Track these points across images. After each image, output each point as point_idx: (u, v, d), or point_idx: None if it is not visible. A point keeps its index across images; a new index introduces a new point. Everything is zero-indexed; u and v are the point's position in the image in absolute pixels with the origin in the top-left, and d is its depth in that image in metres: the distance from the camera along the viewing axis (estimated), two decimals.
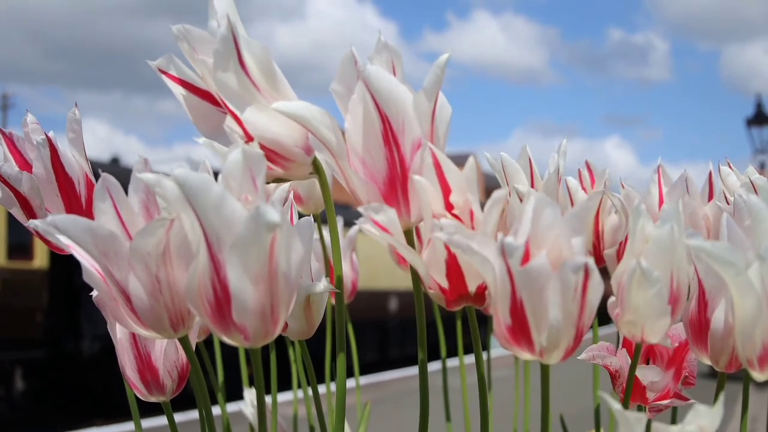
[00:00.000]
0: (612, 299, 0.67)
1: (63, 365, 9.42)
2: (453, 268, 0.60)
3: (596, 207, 1.00)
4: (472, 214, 0.60)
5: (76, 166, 0.80)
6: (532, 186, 0.89)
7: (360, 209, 0.58)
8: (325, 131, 0.60)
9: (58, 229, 0.55)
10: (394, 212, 0.59)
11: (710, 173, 0.90)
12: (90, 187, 0.81)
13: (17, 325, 8.93)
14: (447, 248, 0.59)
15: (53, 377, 9.44)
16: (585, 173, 1.04)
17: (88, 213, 0.79)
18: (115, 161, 13.07)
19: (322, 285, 0.76)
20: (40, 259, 9.00)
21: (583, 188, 1.03)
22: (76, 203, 0.80)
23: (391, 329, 14.23)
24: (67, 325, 9.32)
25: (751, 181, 0.83)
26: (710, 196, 0.89)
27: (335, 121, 0.61)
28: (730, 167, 0.90)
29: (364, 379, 8.00)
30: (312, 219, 0.70)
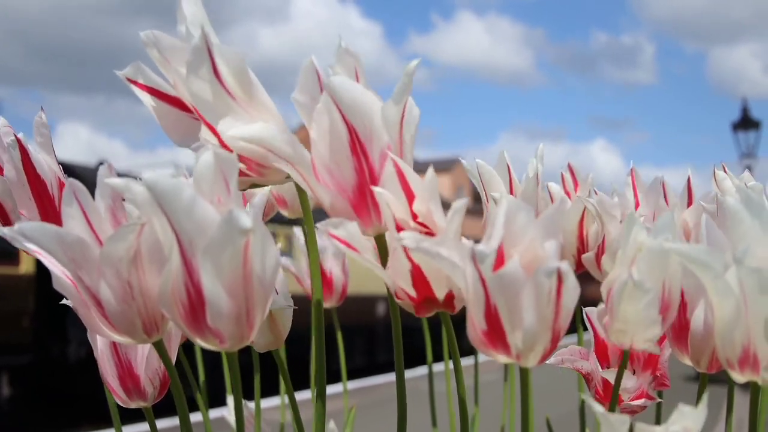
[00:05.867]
0: (601, 306, 0.67)
1: (49, 370, 9.36)
2: (418, 276, 0.60)
3: (579, 214, 1.00)
4: (435, 223, 0.59)
5: (47, 168, 0.79)
6: (511, 192, 0.88)
7: (318, 225, 0.57)
8: (285, 147, 0.59)
9: (26, 237, 0.54)
10: (354, 225, 0.58)
11: (689, 178, 0.90)
12: (63, 190, 0.80)
13: (3, 331, 8.88)
14: (409, 258, 0.58)
15: (40, 382, 9.38)
16: (568, 177, 1.04)
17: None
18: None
19: (278, 302, 0.75)
20: (26, 264, 8.96)
21: (566, 192, 1.03)
22: (50, 205, 0.79)
23: (379, 334, 14.21)
24: (54, 331, 9.27)
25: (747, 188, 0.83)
26: (689, 201, 0.89)
27: (293, 135, 0.60)
28: (725, 171, 0.89)
29: (353, 384, 7.98)
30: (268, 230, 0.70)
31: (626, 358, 0.71)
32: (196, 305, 0.50)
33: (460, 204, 0.57)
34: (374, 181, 0.60)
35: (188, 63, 0.58)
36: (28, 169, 0.78)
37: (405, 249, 0.57)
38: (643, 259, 0.61)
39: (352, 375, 9.38)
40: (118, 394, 0.74)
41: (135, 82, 0.64)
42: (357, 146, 0.59)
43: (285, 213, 1.17)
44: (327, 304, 1.37)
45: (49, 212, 0.79)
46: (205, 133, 0.61)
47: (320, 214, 0.64)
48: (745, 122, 15.77)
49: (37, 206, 0.79)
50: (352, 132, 0.59)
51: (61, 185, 0.81)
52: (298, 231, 1.40)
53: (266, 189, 0.69)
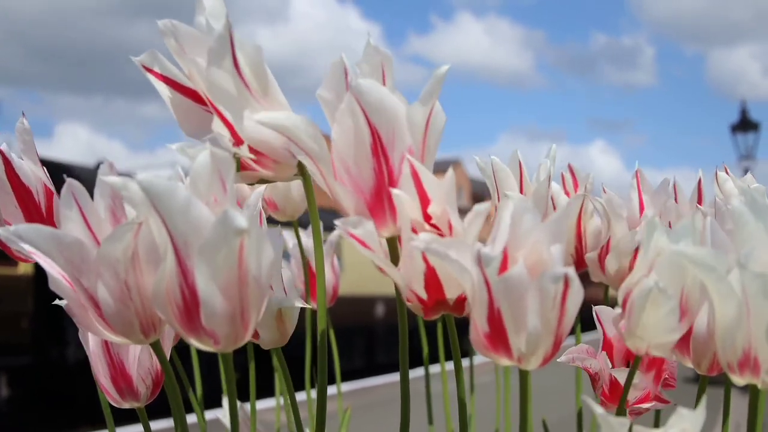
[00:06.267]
0: (617, 310, 0.66)
1: (48, 372, 9.35)
2: (432, 279, 0.59)
3: (577, 211, 0.99)
4: (450, 225, 0.59)
5: (32, 175, 0.79)
6: (521, 191, 0.88)
7: (336, 222, 0.57)
8: (309, 141, 0.59)
9: (22, 238, 0.54)
10: (372, 225, 0.57)
11: (699, 180, 0.89)
12: (49, 196, 0.80)
13: (2, 332, 8.88)
14: (425, 260, 0.58)
15: (38, 384, 9.37)
16: (568, 177, 1.03)
17: (49, 221, 0.78)
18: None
19: (295, 300, 0.75)
20: (24, 265, 8.95)
21: (566, 192, 1.02)
22: (36, 213, 0.79)
23: (379, 335, 14.22)
24: (52, 332, 9.26)
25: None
26: (699, 203, 0.88)
27: (318, 129, 0.59)
28: (727, 173, 0.89)
29: (352, 385, 7.99)
30: (280, 228, 0.70)
31: (637, 363, 0.71)
32: (190, 306, 0.50)
33: (482, 208, 0.56)
34: (393, 184, 0.59)
35: (210, 51, 0.58)
36: (12, 178, 0.78)
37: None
38: (663, 264, 0.60)
39: (351, 376, 9.38)
40: (110, 394, 0.73)
41: (151, 70, 0.64)
42: (378, 148, 0.58)
43: (275, 216, 1.16)
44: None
45: (36, 219, 0.79)
46: (217, 125, 0.61)
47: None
48: (744, 124, 15.80)
49: (23, 214, 0.79)
50: (375, 134, 0.58)
51: (47, 191, 0.80)
52: (284, 234, 1.39)
53: (261, 189, 0.69)
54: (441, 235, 0.58)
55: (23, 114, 0.79)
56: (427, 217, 0.59)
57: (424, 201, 0.59)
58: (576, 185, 1.03)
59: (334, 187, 0.60)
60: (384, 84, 0.60)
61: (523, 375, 0.55)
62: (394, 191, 0.58)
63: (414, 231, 0.58)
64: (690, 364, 0.69)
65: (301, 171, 0.65)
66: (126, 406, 0.74)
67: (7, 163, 0.77)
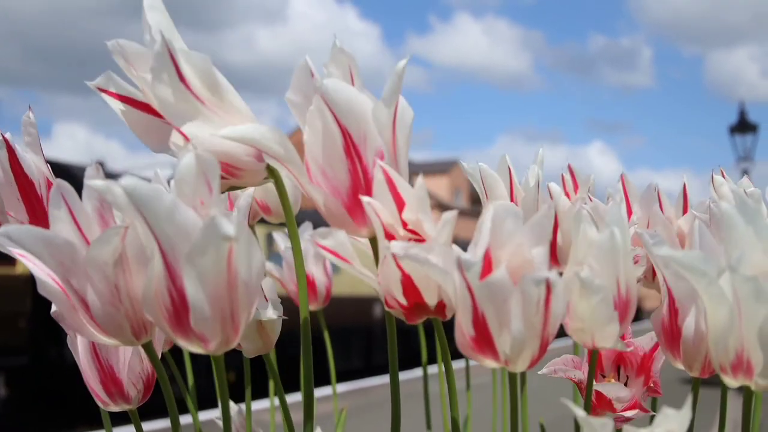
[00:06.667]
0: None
1: (46, 372, 9.34)
2: (408, 285, 0.59)
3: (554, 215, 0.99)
4: (424, 232, 0.59)
5: (35, 168, 0.78)
6: (512, 196, 0.88)
7: (306, 236, 0.57)
8: (277, 148, 0.59)
9: (12, 240, 0.53)
10: (343, 234, 0.58)
11: (684, 185, 0.90)
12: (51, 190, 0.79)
13: (0, 332, 8.87)
14: (399, 267, 0.57)
15: (37, 384, 9.36)
16: (568, 178, 1.03)
17: None
18: (100, 166, 12.97)
19: (270, 311, 0.75)
20: (23, 265, 8.90)
21: (566, 193, 1.02)
22: (38, 205, 0.78)
23: (377, 335, 14.21)
24: (51, 332, 9.25)
25: (745, 193, 0.83)
26: (684, 209, 0.89)
27: (283, 134, 0.59)
28: (723, 176, 0.89)
29: (349, 386, 7.98)
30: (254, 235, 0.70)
31: (594, 358, 0.71)
32: (179, 309, 0.50)
33: (450, 216, 0.56)
34: (368, 183, 0.59)
35: (152, 69, 0.57)
36: (16, 169, 0.77)
37: (395, 257, 0.56)
38: (594, 255, 0.60)
39: (350, 377, 9.37)
40: (102, 399, 0.73)
41: (105, 91, 0.63)
42: (351, 148, 0.58)
43: (269, 219, 1.16)
44: (312, 307, 1.36)
45: (38, 212, 0.78)
46: (176, 137, 0.60)
47: (307, 214, 0.64)
48: (743, 125, 15.81)
49: (25, 206, 0.78)
50: (345, 134, 0.58)
51: (50, 185, 0.79)
52: (276, 236, 1.39)
53: (250, 190, 0.69)
54: (418, 240, 0.58)
55: (30, 108, 0.78)
56: (404, 223, 0.59)
57: (401, 206, 0.58)
58: (576, 186, 1.03)
59: (310, 190, 0.60)
60: (353, 84, 0.60)
61: (512, 377, 0.55)
62: (365, 199, 0.58)
63: (391, 237, 0.58)
64: (681, 366, 0.69)
65: (272, 174, 0.65)
66: (116, 409, 0.74)
67: (12, 153, 0.77)
